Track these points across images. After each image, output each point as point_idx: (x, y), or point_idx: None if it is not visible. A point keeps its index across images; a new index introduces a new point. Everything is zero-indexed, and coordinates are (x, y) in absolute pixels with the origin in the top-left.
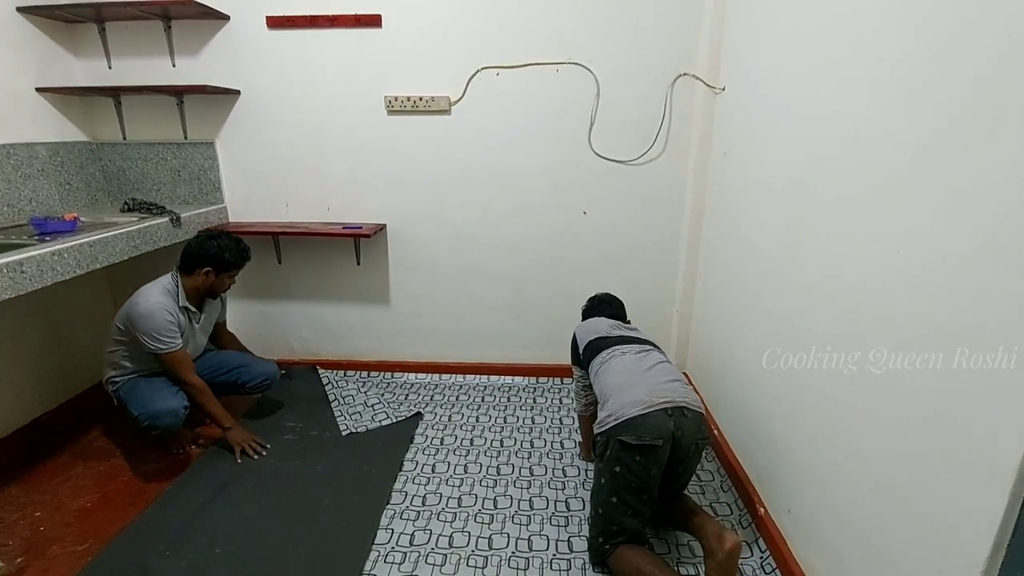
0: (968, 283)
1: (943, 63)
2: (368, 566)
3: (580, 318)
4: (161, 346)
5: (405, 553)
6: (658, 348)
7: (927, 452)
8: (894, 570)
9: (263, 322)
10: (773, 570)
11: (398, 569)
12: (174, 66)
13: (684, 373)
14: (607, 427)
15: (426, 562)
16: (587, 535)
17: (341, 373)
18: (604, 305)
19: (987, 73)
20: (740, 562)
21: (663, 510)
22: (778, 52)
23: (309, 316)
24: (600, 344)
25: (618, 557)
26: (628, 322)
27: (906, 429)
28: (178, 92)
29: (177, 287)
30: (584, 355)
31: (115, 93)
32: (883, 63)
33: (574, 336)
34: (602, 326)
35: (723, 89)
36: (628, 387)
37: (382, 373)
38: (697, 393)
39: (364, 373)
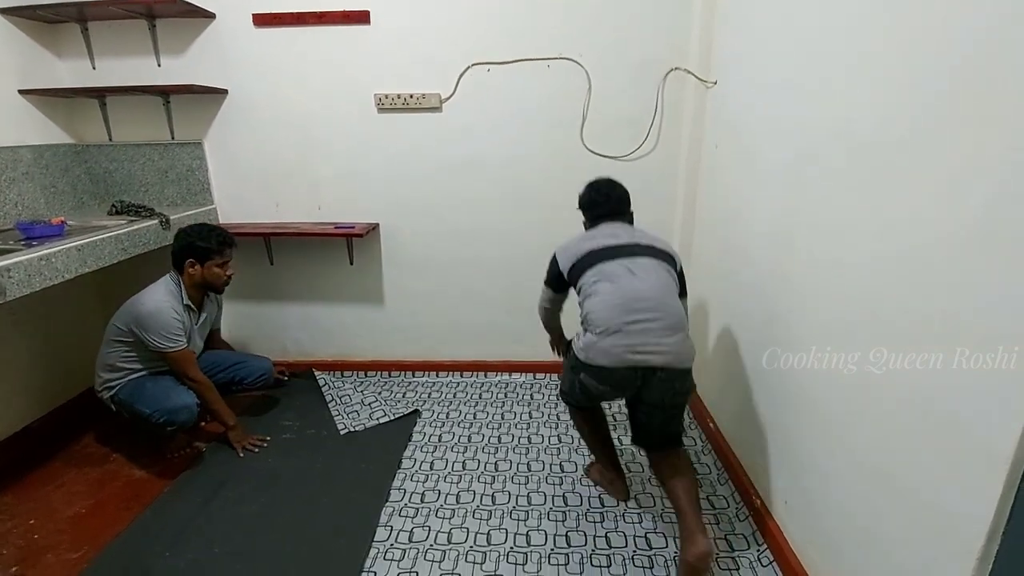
0: (965, 273)
1: (934, 50)
2: (368, 563)
3: (574, 283)
4: (170, 344)
5: (404, 550)
6: (657, 255)
7: (922, 441)
8: (891, 558)
9: (256, 324)
10: (771, 562)
11: (397, 566)
12: (159, 65)
13: None
14: (578, 357)
15: (425, 559)
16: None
17: (338, 373)
18: (599, 205)
19: (978, 60)
20: (738, 554)
21: (657, 461)
22: (769, 44)
23: (303, 317)
24: (587, 262)
25: (572, 413)
26: (630, 213)
27: (901, 418)
28: (164, 92)
29: (179, 286)
30: (570, 277)
31: (100, 94)
32: (874, 52)
33: (554, 256)
34: (593, 243)
35: (715, 83)
36: (606, 326)
37: (378, 372)
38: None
39: (361, 373)
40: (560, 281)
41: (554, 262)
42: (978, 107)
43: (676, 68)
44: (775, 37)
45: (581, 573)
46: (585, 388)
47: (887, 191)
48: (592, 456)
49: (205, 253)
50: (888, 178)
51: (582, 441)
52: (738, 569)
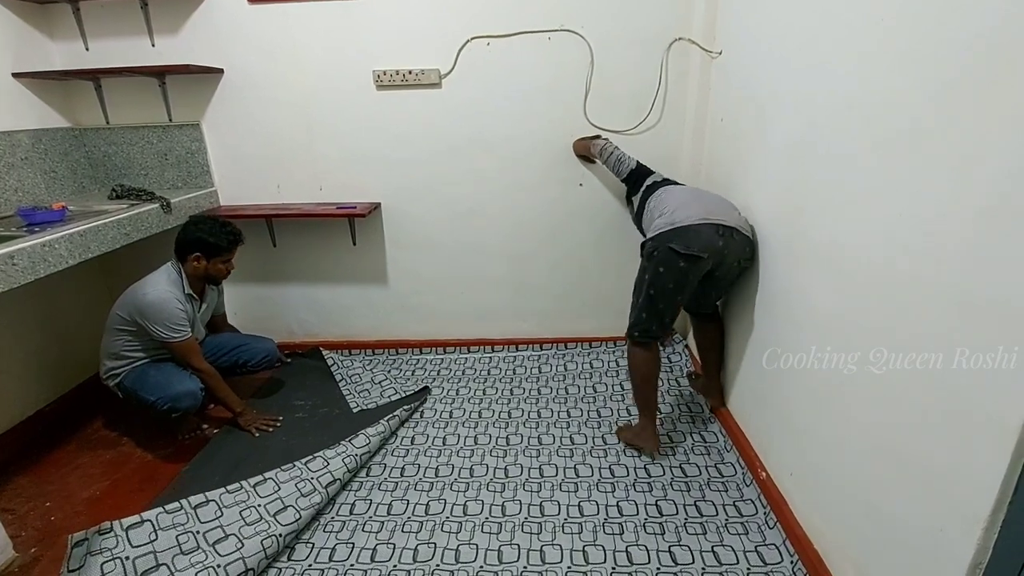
0: (974, 250)
1: (951, 23)
2: (385, 535)
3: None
4: (174, 335)
5: (421, 522)
6: None
7: (929, 412)
8: (896, 527)
9: (261, 306)
10: (776, 524)
11: (415, 537)
12: (153, 46)
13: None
14: (661, 231)
15: (442, 530)
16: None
17: (345, 352)
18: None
19: (996, 36)
20: (747, 519)
21: (698, 326)
22: (777, 13)
23: (307, 298)
24: (662, 184)
25: (631, 350)
26: None
27: (908, 390)
28: (159, 73)
29: (180, 276)
30: (644, 192)
31: (94, 76)
32: (888, 23)
33: (645, 171)
34: (668, 177)
35: (720, 53)
36: (686, 205)
37: (386, 351)
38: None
39: (368, 352)
40: (636, 182)
41: (643, 174)
42: (995, 86)
43: (680, 38)
44: (783, 5)
45: (595, 541)
46: (670, 270)
47: (897, 164)
48: (636, 409)
49: (215, 250)
50: (899, 152)
51: (592, 415)
52: (747, 534)
